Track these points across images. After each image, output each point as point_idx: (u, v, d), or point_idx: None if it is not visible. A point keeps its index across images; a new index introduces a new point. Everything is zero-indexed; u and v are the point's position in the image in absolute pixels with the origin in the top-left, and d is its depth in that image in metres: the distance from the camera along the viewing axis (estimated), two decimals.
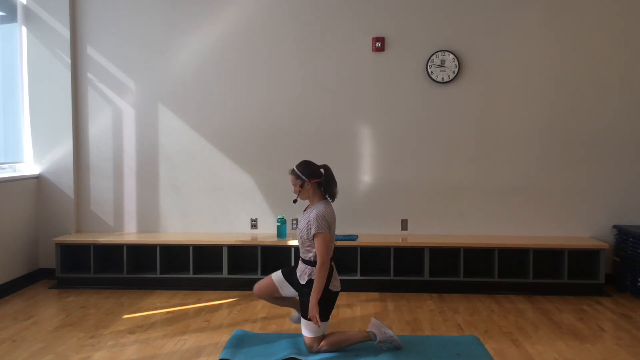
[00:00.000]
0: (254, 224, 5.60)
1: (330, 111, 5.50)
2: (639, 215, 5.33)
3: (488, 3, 5.35)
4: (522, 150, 5.40)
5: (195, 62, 5.54)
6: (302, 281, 3.63)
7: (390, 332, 3.63)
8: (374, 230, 5.53)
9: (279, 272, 3.82)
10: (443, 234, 5.48)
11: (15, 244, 5.27)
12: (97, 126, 5.63)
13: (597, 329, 4.16)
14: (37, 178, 5.57)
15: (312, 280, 3.52)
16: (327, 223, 3.51)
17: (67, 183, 5.57)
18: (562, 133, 5.36)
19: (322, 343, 3.58)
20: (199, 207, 5.62)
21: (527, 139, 5.39)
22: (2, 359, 3.60)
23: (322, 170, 3.67)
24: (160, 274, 5.27)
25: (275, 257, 5.37)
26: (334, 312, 4.52)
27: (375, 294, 5.07)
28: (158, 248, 5.25)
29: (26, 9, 5.47)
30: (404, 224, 5.52)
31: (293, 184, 3.67)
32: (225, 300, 4.84)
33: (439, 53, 5.36)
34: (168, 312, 4.57)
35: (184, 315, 4.51)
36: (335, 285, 3.62)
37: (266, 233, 5.53)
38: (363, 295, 5.03)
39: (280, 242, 5.20)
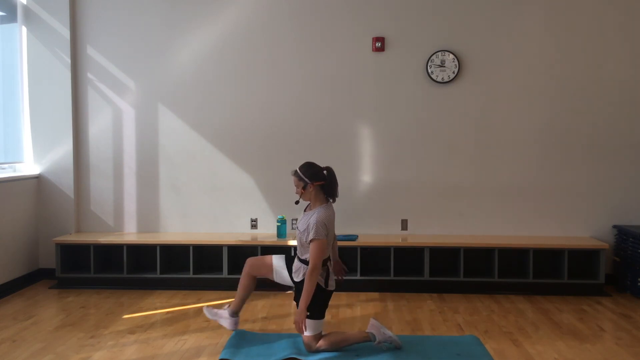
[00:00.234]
0: (254, 224, 5.60)
1: (330, 111, 5.50)
2: (639, 215, 5.33)
3: (488, 3, 5.35)
4: (522, 150, 5.40)
5: (195, 62, 5.54)
6: (297, 279, 3.66)
7: (389, 333, 3.64)
8: (374, 230, 5.53)
9: (282, 257, 3.85)
10: (443, 234, 5.48)
11: (15, 244, 5.27)
12: (97, 126, 5.63)
13: (597, 329, 4.16)
14: (37, 178, 5.57)
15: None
16: (325, 230, 3.53)
17: (67, 183, 5.57)
18: (562, 133, 5.36)
19: (321, 342, 3.58)
20: (199, 207, 5.62)
21: (527, 139, 5.39)
22: (2, 359, 3.60)
23: (325, 172, 3.67)
24: (160, 274, 5.27)
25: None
26: (334, 312, 4.54)
27: (375, 294, 5.07)
28: (158, 248, 5.25)
29: (26, 9, 5.47)
30: (404, 224, 5.52)
31: (295, 185, 3.68)
32: (225, 300, 4.83)
33: (439, 53, 5.36)
34: (168, 312, 4.56)
35: (184, 315, 4.51)
36: (331, 284, 3.65)
37: (266, 233, 5.53)
38: (363, 295, 5.03)
39: (280, 242, 5.20)
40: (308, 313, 3.52)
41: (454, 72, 5.36)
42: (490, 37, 5.36)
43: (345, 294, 5.05)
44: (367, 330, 3.67)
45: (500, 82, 5.39)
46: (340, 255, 5.31)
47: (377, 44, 5.39)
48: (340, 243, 5.14)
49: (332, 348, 3.60)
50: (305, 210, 3.76)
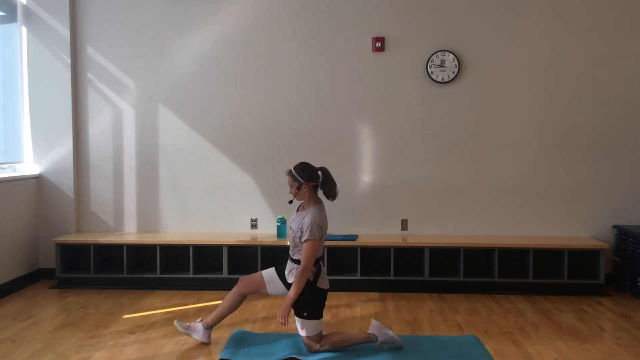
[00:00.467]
0: (254, 224, 5.60)
1: (330, 111, 5.50)
2: (639, 215, 5.33)
3: (488, 3, 5.35)
4: (522, 150, 5.40)
5: (195, 62, 5.54)
6: (290, 280, 3.63)
7: (391, 333, 3.64)
8: (374, 230, 5.53)
9: (271, 269, 3.83)
10: (443, 234, 5.48)
11: (15, 244, 5.27)
12: (97, 126, 5.63)
13: (597, 329, 4.16)
14: (37, 178, 5.57)
15: None
16: (320, 231, 3.53)
17: (67, 183, 5.57)
18: (562, 133, 5.36)
19: (322, 343, 3.58)
20: (199, 207, 5.62)
21: (527, 139, 5.39)
22: (2, 359, 3.60)
23: (319, 173, 3.67)
24: (160, 274, 5.27)
25: (275, 257, 5.35)
26: (334, 312, 4.54)
27: (375, 294, 5.07)
28: (158, 248, 5.25)
29: (26, 9, 5.47)
30: (404, 224, 5.52)
31: (290, 185, 3.68)
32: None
33: (439, 53, 5.36)
34: (168, 312, 4.57)
35: (184, 315, 4.51)
36: (323, 283, 3.64)
37: (266, 233, 5.53)
38: (363, 295, 5.03)
39: (280, 242, 5.20)
40: (305, 314, 3.52)
41: (454, 72, 5.36)
42: (490, 37, 5.36)
43: (345, 294, 5.05)
44: (368, 331, 3.67)
45: (500, 82, 5.39)
46: (341, 255, 5.34)
47: (377, 44, 5.39)
48: (340, 243, 5.15)
49: (333, 348, 3.60)
50: (298, 210, 3.75)
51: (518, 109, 5.39)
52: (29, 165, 5.57)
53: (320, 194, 3.71)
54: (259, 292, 3.81)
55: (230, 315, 4.44)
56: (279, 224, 5.30)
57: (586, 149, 5.35)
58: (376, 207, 5.52)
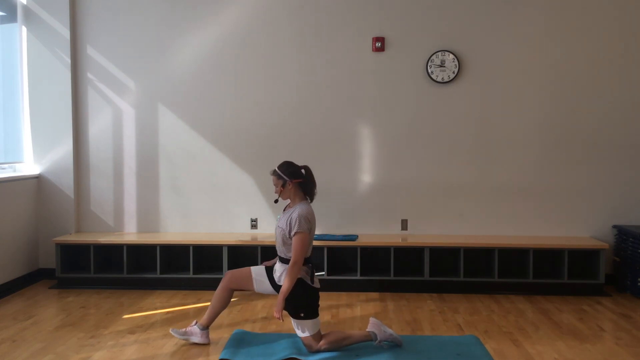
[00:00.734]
0: (254, 224, 5.60)
1: (330, 111, 5.50)
2: (639, 215, 5.33)
3: (488, 3, 5.35)
4: (522, 150, 5.40)
5: (195, 62, 5.54)
6: (281, 282, 3.61)
7: (390, 331, 3.66)
8: (374, 230, 5.53)
9: (261, 266, 3.83)
10: (443, 234, 5.48)
11: (15, 244, 5.27)
12: (97, 126, 5.63)
13: (597, 329, 4.16)
14: (37, 178, 5.57)
15: None
16: (308, 224, 3.56)
17: (67, 183, 5.57)
18: (562, 133, 5.36)
19: (322, 342, 3.58)
20: (199, 207, 5.62)
21: (527, 139, 5.39)
22: (2, 359, 3.60)
23: (303, 171, 3.71)
24: (160, 274, 5.27)
25: (275, 257, 5.36)
26: (334, 312, 4.54)
27: (375, 294, 5.07)
28: (158, 248, 5.25)
29: (26, 9, 5.47)
30: (404, 224, 5.52)
31: (274, 184, 3.72)
32: None
33: (439, 53, 5.36)
34: (168, 312, 4.57)
35: (184, 315, 4.51)
36: (316, 282, 3.66)
37: (266, 233, 5.53)
38: (363, 295, 5.03)
39: None
40: (302, 315, 3.52)
41: (454, 72, 5.36)
42: (490, 37, 5.36)
43: (345, 294, 5.05)
44: (367, 330, 3.67)
45: (500, 82, 5.39)
46: (341, 255, 5.34)
47: (377, 44, 5.39)
48: (340, 243, 5.15)
49: (333, 348, 3.60)
50: (284, 210, 3.77)
51: (518, 109, 5.39)
52: (29, 165, 5.57)
53: None
54: (245, 288, 3.80)
55: (230, 315, 4.46)
56: None
57: (586, 149, 5.35)
58: (376, 207, 5.52)
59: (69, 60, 5.51)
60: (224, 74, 5.53)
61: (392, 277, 5.16)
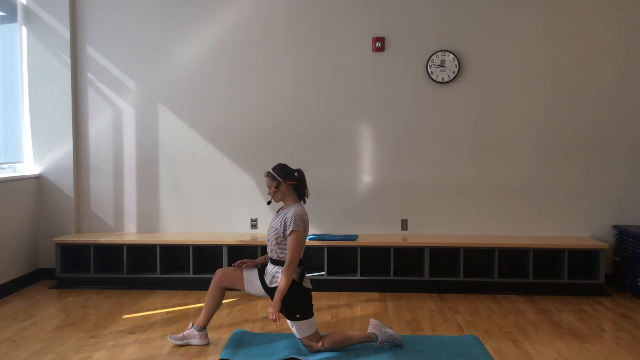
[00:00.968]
0: (254, 224, 5.60)
1: (330, 111, 5.50)
2: (639, 215, 5.33)
3: (488, 3, 5.35)
4: (522, 150, 5.40)
5: (195, 62, 5.54)
6: (274, 284, 3.61)
7: (390, 331, 3.66)
8: (374, 230, 5.53)
9: (253, 268, 3.82)
10: (443, 234, 5.48)
11: (15, 244, 5.27)
12: (97, 126, 5.63)
13: (597, 329, 4.16)
14: (37, 178, 5.57)
15: None
16: (303, 223, 3.58)
17: (67, 183, 5.57)
18: (562, 133, 5.36)
19: (322, 342, 3.58)
20: (199, 207, 5.62)
21: (527, 139, 5.39)
22: (2, 359, 3.60)
23: (296, 174, 3.73)
24: (160, 274, 5.27)
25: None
26: (334, 312, 4.54)
27: (375, 294, 5.07)
28: (158, 248, 5.25)
29: (26, 9, 5.47)
30: (404, 224, 5.52)
31: (268, 186, 3.72)
32: (225, 300, 4.81)
33: (439, 53, 5.36)
34: (168, 312, 4.57)
35: (184, 315, 4.51)
36: (307, 283, 3.66)
37: (266, 233, 5.50)
38: (363, 295, 5.03)
39: None
40: (298, 316, 3.52)
41: (454, 72, 5.36)
42: (490, 37, 5.36)
43: (345, 294, 5.05)
44: (368, 331, 3.67)
45: (500, 82, 5.39)
46: (341, 255, 5.34)
47: (377, 44, 5.39)
48: (340, 243, 5.15)
49: (333, 348, 3.60)
50: (278, 212, 3.78)
51: (518, 109, 5.39)
52: (29, 165, 5.57)
53: None
54: (236, 288, 3.79)
55: (230, 315, 4.46)
56: None
57: (586, 149, 5.35)
58: (376, 207, 5.52)
59: (69, 60, 5.51)
60: (224, 74, 5.53)
61: (392, 277, 5.16)
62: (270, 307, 3.46)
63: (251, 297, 4.88)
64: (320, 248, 5.18)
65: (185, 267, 5.35)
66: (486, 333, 4.06)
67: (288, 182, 3.68)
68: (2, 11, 5.38)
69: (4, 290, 5.06)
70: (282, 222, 3.59)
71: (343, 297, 4.97)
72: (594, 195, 5.36)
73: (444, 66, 5.37)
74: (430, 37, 5.39)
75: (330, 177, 5.48)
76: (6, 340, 3.91)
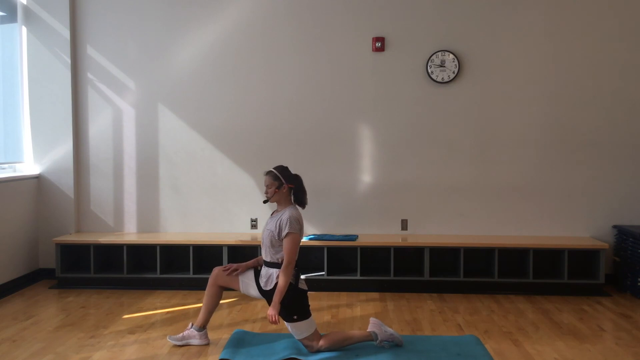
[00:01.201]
0: (254, 224, 5.60)
1: (330, 111, 5.50)
2: (639, 215, 5.33)
3: (488, 3, 5.35)
4: (522, 150, 5.40)
5: (195, 62, 5.54)
6: (269, 286, 3.61)
7: (390, 330, 3.66)
8: (374, 230, 5.53)
9: (250, 269, 3.82)
10: (443, 234, 5.48)
11: (15, 244, 5.27)
12: (97, 126, 5.63)
13: (597, 329, 4.16)
14: (37, 178, 5.57)
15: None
16: (299, 225, 3.59)
17: (67, 183, 5.57)
18: (562, 133, 5.36)
19: (322, 342, 3.58)
20: (199, 207, 5.62)
21: (527, 139, 5.39)
22: (2, 359, 3.60)
23: (294, 178, 3.74)
24: (160, 274, 5.27)
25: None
26: (334, 312, 4.55)
27: (375, 294, 5.07)
28: (158, 248, 5.25)
29: (26, 9, 5.47)
30: (404, 224, 5.52)
31: (267, 185, 3.69)
32: (225, 300, 4.82)
33: (439, 53, 5.36)
34: (168, 312, 4.57)
35: (184, 315, 4.51)
36: (303, 284, 3.67)
37: None
38: (363, 295, 5.03)
39: None
40: (295, 317, 3.52)
41: (454, 72, 5.36)
42: (490, 37, 5.36)
43: (345, 294, 5.05)
44: (368, 330, 3.67)
45: (500, 82, 5.39)
46: (341, 255, 5.34)
47: (377, 44, 5.39)
48: (340, 243, 5.15)
49: (333, 347, 3.60)
50: (272, 215, 3.78)
51: (518, 109, 5.39)
52: (29, 165, 5.57)
53: None
54: (231, 287, 3.80)
55: (230, 315, 4.47)
56: None
57: (586, 149, 5.35)
58: (376, 207, 5.52)
59: (69, 60, 5.51)
60: (224, 74, 5.53)
61: (392, 277, 5.16)
62: (270, 310, 3.47)
63: (251, 297, 4.87)
64: (320, 248, 5.18)
65: (185, 267, 5.35)
66: (486, 333, 4.06)
67: (288, 185, 3.69)
68: (2, 11, 5.38)
69: (4, 290, 5.06)
70: (278, 225, 3.59)
71: (343, 297, 4.97)
72: (594, 195, 5.36)
73: (444, 66, 5.37)
74: (430, 37, 5.39)
75: (330, 177, 5.48)
76: (6, 340, 3.91)
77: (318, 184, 5.43)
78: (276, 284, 3.54)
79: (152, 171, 5.63)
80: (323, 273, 5.18)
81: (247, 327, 4.18)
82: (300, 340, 3.59)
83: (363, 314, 4.51)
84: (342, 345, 3.63)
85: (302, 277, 3.77)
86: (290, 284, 3.54)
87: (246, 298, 4.90)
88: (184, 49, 5.54)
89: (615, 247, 5.28)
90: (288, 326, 3.59)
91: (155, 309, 4.65)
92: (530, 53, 5.34)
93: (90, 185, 5.65)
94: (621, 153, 5.32)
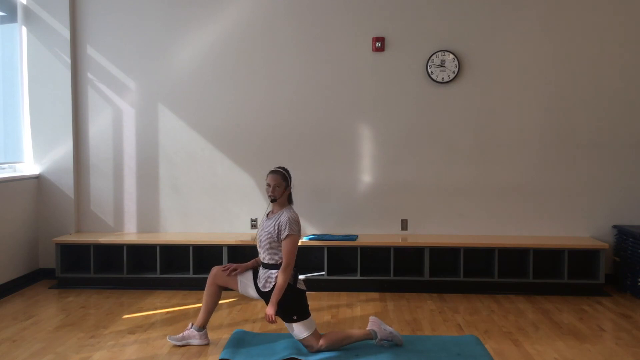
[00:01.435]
0: (254, 224, 5.61)
1: (330, 111, 5.50)
2: (639, 215, 5.33)
3: (488, 3, 5.35)
4: (522, 150, 5.40)
5: (195, 62, 5.54)
6: (267, 287, 3.61)
7: (390, 329, 3.66)
8: (374, 230, 5.53)
9: (248, 270, 3.83)
10: (443, 234, 5.48)
11: (15, 244, 5.27)
12: (97, 126, 5.63)
13: (597, 329, 4.16)
14: (37, 178, 5.57)
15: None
16: (298, 227, 3.60)
17: (67, 183, 5.57)
18: (562, 133, 5.36)
19: (322, 342, 3.58)
20: (199, 207, 5.62)
21: (527, 139, 5.39)
22: (2, 359, 3.60)
23: None
24: (160, 274, 5.27)
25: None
26: (334, 312, 4.55)
27: (375, 294, 5.07)
28: (158, 248, 5.25)
29: (26, 9, 5.47)
30: (404, 224, 5.52)
31: (276, 184, 3.65)
32: (225, 300, 4.83)
33: (439, 53, 5.36)
34: (168, 312, 4.57)
35: (184, 315, 4.51)
36: (301, 284, 3.67)
37: None
38: (363, 295, 5.03)
39: None
40: (295, 317, 3.52)
41: (454, 72, 5.36)
42: (490, 37, 5.36)
43: (345, 294, 5.05)
44: (367, 328, 3.68)
45: (500, 82, 5.39)
46: (341, 255, 5.34)
47: (377, 44, 5.39)
48: (340, 243, 5.15)
49: (333, 347, 3.60)
50: (267, 216, 3.77)
51: (518, 109, 5.39)
52: (29, 165, 5.57)
53: None
54: (229, 287, 3.80)
55: (230, 315, 4.47)
56: None
57: (586, 149, 5.35)
58: (376, 207, 5.52)
59: (69, 60, 5.51)
60: (224, 74, 5.53)
61: (392, 277, 5.16)
62: (267, 309, 3.47)
63: (251, 297, 4.87)
64: (320, 248, 5.18)
65: (185, 267, 5.35)
66: (486, 333, 4.06)
67: (290, 187, 3.73)
68: (2, 11, 5.38)
69: (4, 290, 5.06)
70: (277, 227, 3.59)
71: (343, 297, 4.97)
72: (594, 195, 5.36)
73: (444, 66, 5.37)
74: (430, 37, 5.39)
75: (330, 177, 5.48)
76: (6, 340, 3.91)
77: (318, 184, 5.43)
78: (273, 287, 3.55)
79: (152, 171, 5.63)
80: (323, 273, 5.18)
81: (247, 327, 4.18)
82: (300, 340, 3.59)
83: (363, 314, 4.51)
84: (341, 344, 3.63)
85: (301, 277, 3.77)
86: (289, 284, 3.54)
87: (246, 298, 4.89)
88: (184, 49, 5.54)
89: (615, 247, 5.28)
90: (288, 326, 3.60)
91: (155, 309, 4.65)
92: (530, 53, 5.34)
93: (90, 185, 5.65)
94: (621, 153, 5.32)
